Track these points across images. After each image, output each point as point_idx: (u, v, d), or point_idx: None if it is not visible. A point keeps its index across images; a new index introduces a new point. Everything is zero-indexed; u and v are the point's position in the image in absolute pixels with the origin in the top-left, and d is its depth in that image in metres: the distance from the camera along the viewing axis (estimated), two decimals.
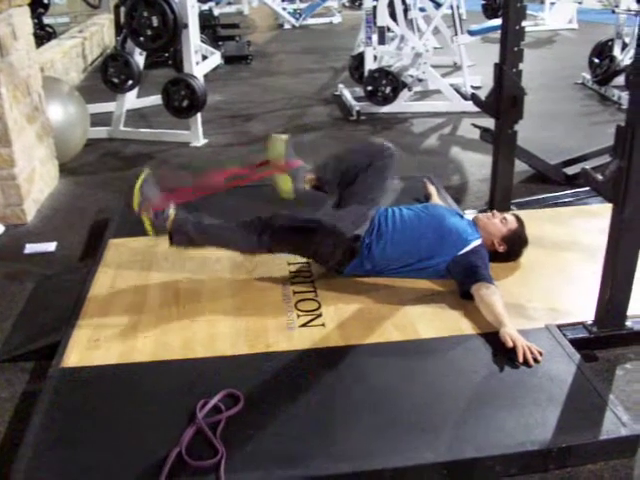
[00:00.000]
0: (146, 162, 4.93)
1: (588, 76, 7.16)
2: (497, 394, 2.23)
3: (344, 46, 9.32)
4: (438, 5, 7.52)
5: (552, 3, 11.54)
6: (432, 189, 3.68)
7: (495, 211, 3.13)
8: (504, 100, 3.42)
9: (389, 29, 6.74)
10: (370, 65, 6.39)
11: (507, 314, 2.54)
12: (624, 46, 6.72)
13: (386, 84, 6.12)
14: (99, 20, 9.65)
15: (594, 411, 2.14)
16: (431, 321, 2.65)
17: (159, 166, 4.84)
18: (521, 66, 3.39)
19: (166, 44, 5.12)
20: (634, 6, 6.61)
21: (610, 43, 6.87)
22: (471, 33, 6.95)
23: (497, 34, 3.53)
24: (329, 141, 5.48)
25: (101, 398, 2.26)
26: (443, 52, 8.08)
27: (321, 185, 2.99)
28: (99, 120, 5.70)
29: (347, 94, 6.68)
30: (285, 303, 2.81)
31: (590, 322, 2.63)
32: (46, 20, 9.08)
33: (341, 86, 7.02)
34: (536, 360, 2.36)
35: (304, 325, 2.64)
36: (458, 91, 6.48)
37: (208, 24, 9.45)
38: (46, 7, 8.93)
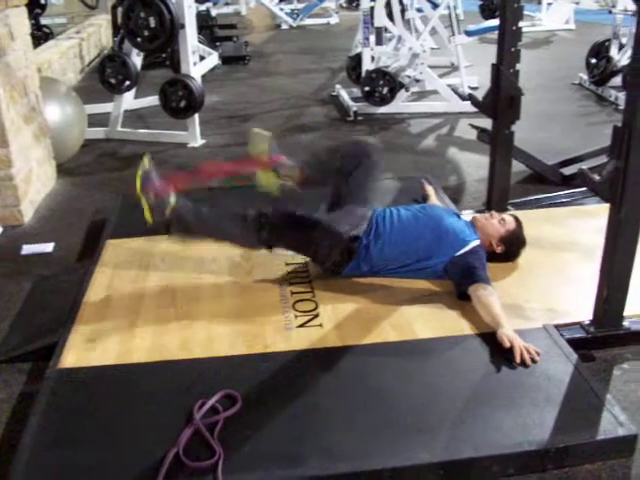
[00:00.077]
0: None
1: (585, 77, 7.17)
2: (494, 394, 2.24)
3: (341, 47, 9.32)
4: (435, 6, 7.52)
5: (549, 4, 11.54)
6: (430, 189, 3.68)
7: (494, 212, 3.13)
8: (501, 100, 3.42)
9: (386, 30, 6.73)
10: (367, 66, 6.40)
11: (504, 315, 2.54)
12: (621, 46, 6.72)
13: (383, 85, 6.12)
14: (96, 21, 9.64)
15: (591, 411, 2.15)
16: (428, 321, 2.65)
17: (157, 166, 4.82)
18: (518, 66, 3.40)
19: (163, 45, 5.11)
20: (631, 6, 6.61)
21: (607, 43, 6.87)
22: (468, 34, 6.96)
23: (494, 34, 3.54)
24: (326, 141, 5.48)
25: (98, 399, 2.25)
26: (440, 53, 8.09)
27: (305, 182, 2.98)
28: (96, 121, 5.70)
29: (344, 94, 6.68)
30: (283, 304, 2.81)
31: (587, 322, 2.64)
32: (43, 21, 9.06)
33: (338, 86, 7.02)
34: (533, 360, 2.36)
35: (302, 325, 2.64)
36: (455, 92, 6.48)
37: (205, 25, 9.44)
38: (43, 7, 8.92)
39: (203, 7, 10.19)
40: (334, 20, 13.07)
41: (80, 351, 2.49)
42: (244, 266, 3.12)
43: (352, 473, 1.95)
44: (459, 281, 2.78)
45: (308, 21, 12.81)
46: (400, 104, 6.33)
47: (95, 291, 2.93)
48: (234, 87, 7.67)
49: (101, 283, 3.00)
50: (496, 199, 3.65)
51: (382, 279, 2.93)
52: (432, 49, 7.71)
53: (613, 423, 2.09)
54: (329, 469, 1.95)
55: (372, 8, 6.29)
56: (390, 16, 6.67)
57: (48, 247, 3.59)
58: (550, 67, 8.29)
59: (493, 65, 3.42)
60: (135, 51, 5.44)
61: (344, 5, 15.19)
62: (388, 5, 6.52)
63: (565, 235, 3.41)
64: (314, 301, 2.82)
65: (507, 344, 2.40)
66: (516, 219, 3.07)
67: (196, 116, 5.40)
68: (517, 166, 4.09)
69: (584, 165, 3.40)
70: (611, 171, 2.36)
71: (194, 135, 5.43)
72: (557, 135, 5.57)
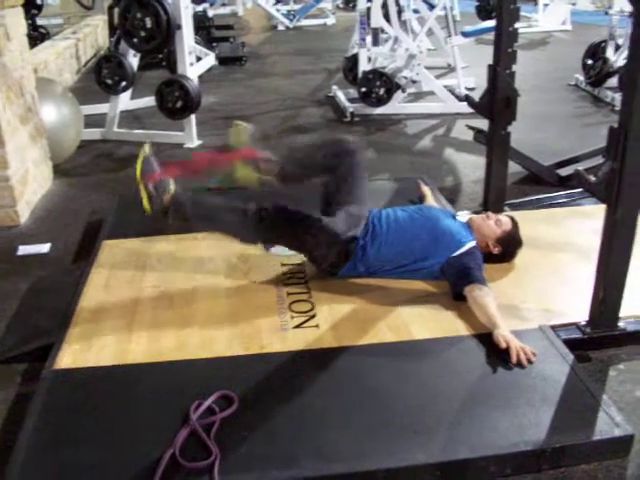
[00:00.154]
0: None
1: (581, 77, 7.18)
2: (491, 395, 2.24)
3: (338, 47, 9.32)
4: (432, 7, 7.53)
5: (546, 5, 11.57)
6: (426, 190, 3.68)
7: (490, 213, 3.13)
8: (498, 101, 3.43)
9: (383, 30, 6.74)
10: (364, 66, 6.39)
11: (500, 315, 2.54)
12: (617, 48, 6.74)
13: (380, 85, 6.12)
14: (93, 21, 9.63)
15: (587, 411, 2.15)
16: (425, 322, 2.65)
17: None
18: (514, 67, 3.40)
19: (160, 45, 5.11)
20: (627, 8, 6.62)
21: (603, 44, 6.88)
22: (465, 34, 6.97)
23: (491, 35, 3.55)
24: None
25: (95, 400, 2.25)
26: (437, 53, 8.09)
27: (283, 177, 2.99)
28: (93, 121, 5.69)
29: (341, 95, 6.68)
30: (279, 304, 2.81)
31: (583, 323, 2.64)
32: (39, 21, 9.05)
33: (335, 87, 7.02)
34: (530, 361, 2.37)
35: (298, 326, 2.64)
36: (452, 92, 6.49)
37: (202, 25, 9.45)
38: (40, 8, 8.91)
39: (200, 8, 10.21)
40: (331, 21, 13.07)
41: (76, 352, 2.49)
42: (240, 267, 3.12)
43: (347, 474, 1.95)
44: (455, 282, 2.78)
45: (305, 22, 12.81)
46: (397, 105, 6.33)
47: (91, 292, 2.92)
48: (231, 88, 7.67)
49: (97, 284, 2.99)
50: (492, 200, 3.66)
51: (378, 280, 2.93)
52: (429, 50, 7.70)
53: (609, 423, 2.09)
54: (325, 470, 1.95)
55: (369, 9, 6.29)
56: (387, 17, 6.68)
57: (44, 248, 3.59)
58: (546, 68, 8.30)
59: (489, 66, 3.43)
60: (131, 52, 5.45)
61: (341, 6, 15.21)
62: (385, 6, 6.52)
63: (561, 236, 3.42)
64: (310, 302, 2.82)
65: (503, 345, 2.40)
66: (512, 220, 3.07)
67: (192, 117, 5.39)
68: (513, 167, 4.10)
69: (580, 166, 3.40)
70: (607, 172, 2.36)
71: (190, 136, 5.42)
72: (553, 136, 5.58)
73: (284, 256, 3.13)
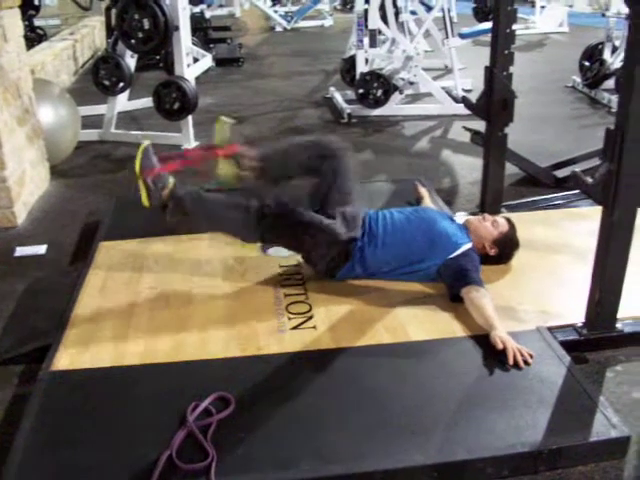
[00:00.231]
0: None
1: (578, 79, 7.20)
2: (488, 396, 2.24)
3: (335, 49, 9.33)
4: (429, 8, 7.54)
5: (543, 6, 11.59)
6: (423, 191, 3.68)
7: (486, 214, 3.13)
8: (495, 103, 3.43)
9: (380, 32, 6.74)
10: (361, 68, 6.40)
11: (497, 317, 2.54)
12: (614, 49, 6.75)
13: (377, 87, 6.12)
14: (90, 22, 9.64)
15: (584, 413, 2.15)
16: (422, 323, 2.65)
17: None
18: (511, 69, 3.41)
19: (157, 46, 5.10)
20: (624, 10, 6.64)
21: (600, 46, 6.90)
22: (462, 36, 6.97)
23: (488, 37, 3.54)
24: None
25: (91, 401, 2.25)
26: (434, 55, 8.10)
27: (262, 174, 2.99)
28: (90, 122, 5.69)
29: (338, 97, 6.69)
30: (276, 306, 2.81)
31: (580, 324, 2.64)
32: (37, 22, 9.06)
33: (332, 89, 7.02)
34: (526, 362, 2.37)
35: (295, 328, 2.64)
36: (449, 94, 6.49)
37: (199, 26, 9.46)
38: (37, 9, 8.92)
39: (197, 9, 10.21)
40: (328, 22, 13.10)
41: (73, 353, 2.48)
42: (237, 268, 3.12)
43: (345, 475, 1.95)
44: (452, 283, 2.79)
45: (302, 23, 12.84)
46: (394, 106, 6.34)
47: (88, 293, 2.92)
48: (228, 89, 7.67)
49: (94, 285, 2.99)
50: (490, 201, 3.66)
51: (375, 281, 2.93)
52: (426, 52, 7.75)
53: (606, 425, 2.09)
54: (322, 471, 1.95)
55: (366, 11, 6.30)
56: (384, 19, 6.68)
57: (41, 249, 3.58)
58: (543, 70, 8.31)
59: (486, 68, 3.43)
60: (129, 53, 5.45)
61: (338, 7, 15.25)
62: (382, 8, 6.53)
63: (558, 237, 3.42)
64: (308, 303, 2.82)
65: (500, 346, 2.40)
66: (509, 221, 3.07)
67: (190, 118, 5.39)
68: (510, 168, 4.10)
69: (577, 168, 3.40)
70: (604, 174, 2.36)
71: (188, 137, 5.42)
72: (550, 138, 5.59)
73: (281, 257, 3.13)
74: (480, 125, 3.72)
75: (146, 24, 4.86)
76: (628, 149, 2.28)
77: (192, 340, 2.57)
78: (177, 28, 4.98)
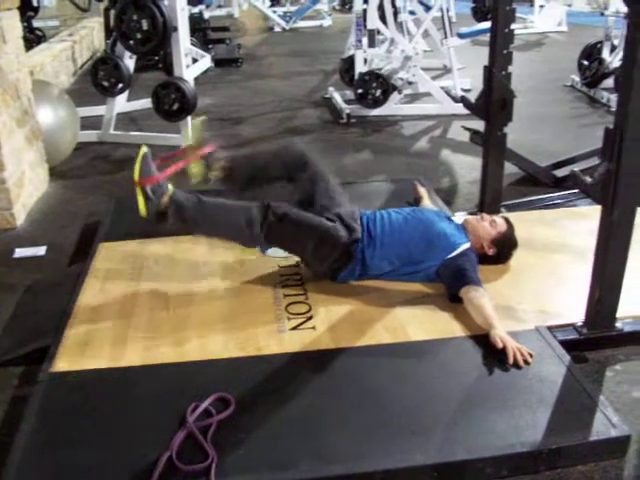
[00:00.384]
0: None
1: (577, 78, 7.20)
2: (487, 396, 2.24)
3: (334, 49, 9.33)
4: (428, 8, 7.54)
5: (541, 6, 11.59)
6: (422, 191, 3.68)
7: (484, 214, 3.13)
8: (493, 103, 3.43)
9: (379, 32, 6.74)
10: (360, 68, 6.40)
11: (496, 316, 2.55)
12: (613, 48, 6.76)
13: (376, 87, 6.12)
14: (89, 23, 9.63)
15: (584, 412, 2.15)
16: (421, 323, 2.65)
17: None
18: (510, 69, 3.40)
19: (156, 47, 5.10)
20: (623, 9, 6.64)
21: (599, 45, 6.90)
22: (461, 36, 6.97)
23: (486, 37, 3.54)
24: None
25: (91, 402, 2.25)
26: (433, 55, 8.10)
27: (231, 175, 3.01)
28: (89, 123, 5.69)
29: (337, 97, 6.69)
30: (276, 306, 2.81)
31: (580, 323, 2.64)
32: (36, 23, 9.04)
33: (331, 89, 7.03)
34: (526, 362, 2.37)
35: (295, 328, 2.64)
36: (448, 94, 6.50)
37: (198, 27, 9.46)
38: (36, 10, 8.90)
39: (196, 10, 10.20)
40: (327, 22, 13.10)
41: (73, 354, 2.48)
42: (237, 269, 3.12)
43: (345, 475, 1.95)
44: (450, 284, 2.79)
45: (301, 23, 12.83)
46: (393, 106, 6.34)
47: (88, 294, 2.92)
48: (227, 90, 7.67)
49: (94, 286, 2.99)
50: (489, 201, 3.66)
51: (375, 282, 2.93)
52: (425, 51, 7.76)
53: (606, 424, 2.09)
54: (322, 471, 1.95)
55: (365, 11, 6.30)
56: (383, 18, 6.69)
57: (41, 250, 3.58)
58: (542, 69, 8.32)
59: (485, 67, 3.43)
60: (128, 54, 5.44)
61: (337, 8, 15.25)
62: (381, 8, 6.53)
63: (558, 237, 3.42)
64: (307, 303, 2.82)
65: (500, 345, 2.40)
66: (507, 221, 3.07)
67: (189, 119, 5.39)
68: (510, 168, 4.10)
69: (576, 167, 3.41)
70: (603, 173, 2.36)
71: (187, 138, 5.41)
72: (549, 137, 5.59)
73: (280, 258, 3.13)
74: (479, 125, 3.72)
75: (145, 25, 4.85)
76: (627, 148, 2.28)
77: (192, 341, 2.57)
78: (176, 29, 4.98)
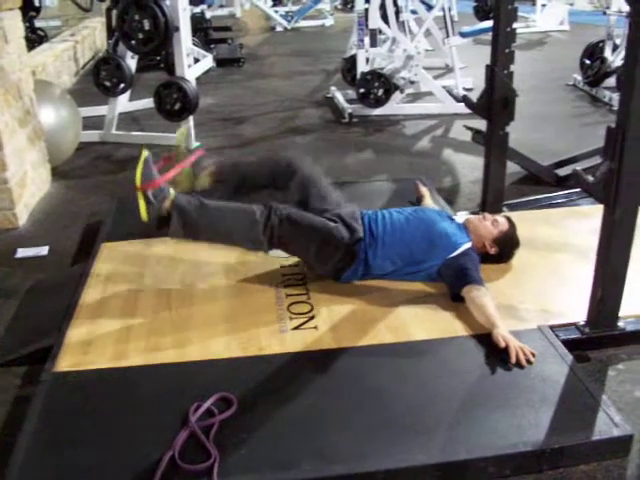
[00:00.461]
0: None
1: (579, 77, 7.19)
2: (490, 395, 2.24)
3: (336, 48, 9.33)
4: (429, 7, 7.54)
5: (543, 5, 11.58)
6: (424, 191, 3.68)
7: (486, 213, 3.13)
8: (495, 102, 3.43)
9: (381, 31, 6.75)
10: (362, 67, 6.40)
11: (499, 315, 2.55)
12: (615, 47, 6.75)
13: (378, 86, 6.12)
14: (91, 23, 9.64)
15: (587, 412, 2.15)
16: (423, 323, 2.65)
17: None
18: (512, 68, 3.40)
19: (158, 47, 5.10)
20: (625, 8, 6.63)
21: (601, 44, 6.90)
22: (463, 35, 6.97)
23: (488, 36, 3.54)
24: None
25: (94, 402, 2.25)
26: (435, 54, 8.10)
27: (217, 183, 3.02)
28: (91, 123, 5.69)
29: (339, 96, 6.69)
30: (278, 306, 2.81)
31: (582, 323, 2.64)
32: (38, 23, 9.05)
33: (333, 88, 7.02)
34: (529, 361, 2.37)
35: (297, 328, 2.64)
36: (450, 93, 6.49)
37: (200, 27, 9.46)
38: (38, 10, 8.91)
39: (198, 9, 10.21)
40: (329, 22, 13.09)
41: (76, 354, 2.49)
42: (239, 268, 3.12)
43: (347, 475, 1.95)
44: (452, 283, 2.78)
45: (303, 23, 12.83)
46: (395, 106, 6.34)
47: (90, 294, 2.92)
48: (228, 89, 7.67)
49: (96, 286, 2.99)
50: (491, 200, 3.66)
51: (377, 281, 2.93)
52: (426, 51, 7.75)
53: (608, 424, 2.09)
54: (324, 471, 1.95)
55: (366, 10, 6.29)
56: (384, 18, 6.67)
57: (43, 250, 3.59)
58: (544, 68, 8.31)
59: (487, 66, 3.43)
60: (129, 54, 5.45)
61: (339, 7, 15.24)
62: (382, 7, 6.52)
63: (560, 236, 3.42)
64: (309, 303, 2.82)
65: (502, 344, 2.40)
66: (509, 220, 3.07)
67: (191, 118, 5.39)
68: (512, 167, 4.10)
69: (578, 166, 3.40)
70: (605, 172, 2.36)
71: (189, 138, 5.42)
72: (551, 136, 5.59)
73: (283, 257, 3.13)
74: (481, 124, 3.72)
75: (146, 25, 4.85)
76: (629, 147, 2.28)
77: (194, 341, 2.57)
78: (177, 29, 4.98)
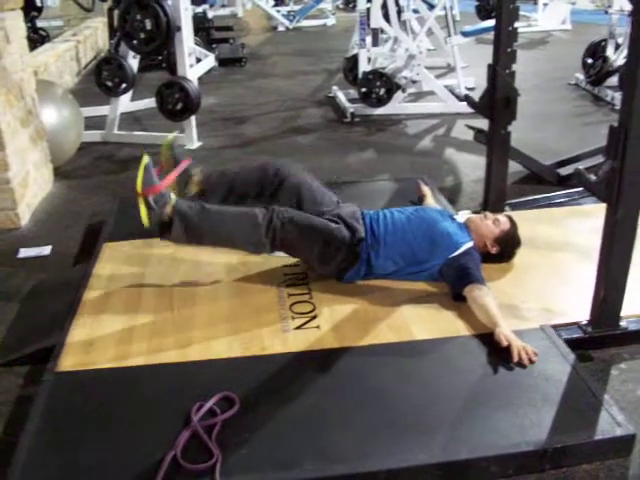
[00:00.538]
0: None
1: (581, 77, 7.18)
2: (492, 395, 2.24)
3: (338, 48, 9.33)
4: (431, 6, 7.54)
5: (545, 4, 11.56)
6: (426, 190, 3.68)
7: (487, 213, 3.13)
8: (497, 101, 3.43)
9: (383, 31, 6.74)
10: (364, 67, 6.39)
11: (501, 314, 2.54)
12: (617, 46, 6.74)
13: (380, 86, 6.11)
14: (93, 23, 9.64)
15: (589, 411, 2.15)
16: (425, 322, 2.65)
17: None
18: (514, 67, 3.40)
19: (159, 47, 5.10)
20: (627, 6, 6.62)
21: (603, 43, 6.88)
22: (464, 34, 6.97)
23: (490, 35, 3.54)
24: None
25: (96, 402, 2.25)
26: (437, 53, 8.09)
27: (205, 191, 3.02)
28: (93, 123, 5.70)
29: (341, 96, 6.69)
30: (280, 305, 2.81)
31: (585, 322, 2.64)
32: (39, 23, 9.06)
33: (335, 88, 7.02)
34: (531, 360, 2.37)
35: (299, 327, 2.64)
36: (452, 92, 6.49)
37: (202, 27, 9.45)
38: (39, 10, 8.92)
39: (199, 9, 10.21)
40: (331, 22, 13.08)
41: (78, 354, 2.49)
42: (241, 268, 3.12)
43: (349, 475, 1.95)
44: (454, 282, 2.78)
45: (305, 23, 12.81)
46: (397, 105, 6.34)
47: (92, 294, 2.92)
48: (230, 89, 7.67)
49: (98, 286, 2.99)
50: (493, 199, 3.66)
51: (379, 281, 2.93)
52: (428, 50, 7.71)
53: (611, 423, 2.09)
54: (326, 471, 1.95)
55: (368, 9, 6.29)
56: (386, 17, 6.68)
57: (45, 250, 3.59)
58: (546, 67, 8.30)
59: (489, 66, 3.43)
60: (131, 53, 5.45)
61: (341, 6, 15.23)
62: (384, 6, 6.53)
63: (562, 235, 3.42)
64: (311, 303, 2.82)
65: (505, 343, 2.40)
66: (510, 219, 3.07)
67: (193, 118, 5.40)
68: (514, 166, 4.10)
69: (581, 165, 3.39)
70: (607, 171, 2.36)
71: (191, 137, 5.43)
72: (553, 135, 5.58)
73: (284, 257, 3.13)
74: (483, 123, 3.72)
75: (148, 25, 4.86)
76: (632, 146, 2.28)
77: (196, 340, 2.57)
78: (179, 28, 4.99)
